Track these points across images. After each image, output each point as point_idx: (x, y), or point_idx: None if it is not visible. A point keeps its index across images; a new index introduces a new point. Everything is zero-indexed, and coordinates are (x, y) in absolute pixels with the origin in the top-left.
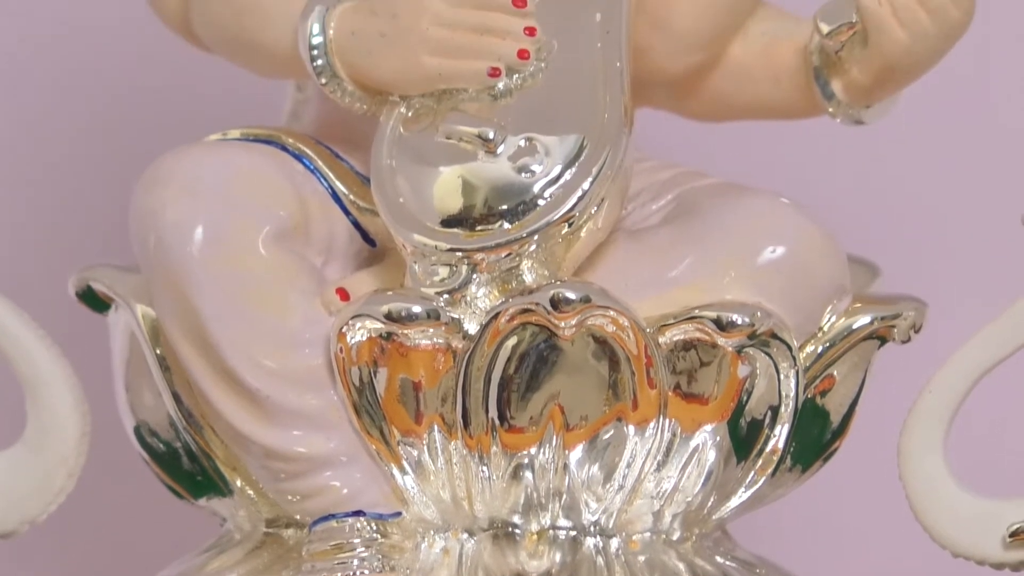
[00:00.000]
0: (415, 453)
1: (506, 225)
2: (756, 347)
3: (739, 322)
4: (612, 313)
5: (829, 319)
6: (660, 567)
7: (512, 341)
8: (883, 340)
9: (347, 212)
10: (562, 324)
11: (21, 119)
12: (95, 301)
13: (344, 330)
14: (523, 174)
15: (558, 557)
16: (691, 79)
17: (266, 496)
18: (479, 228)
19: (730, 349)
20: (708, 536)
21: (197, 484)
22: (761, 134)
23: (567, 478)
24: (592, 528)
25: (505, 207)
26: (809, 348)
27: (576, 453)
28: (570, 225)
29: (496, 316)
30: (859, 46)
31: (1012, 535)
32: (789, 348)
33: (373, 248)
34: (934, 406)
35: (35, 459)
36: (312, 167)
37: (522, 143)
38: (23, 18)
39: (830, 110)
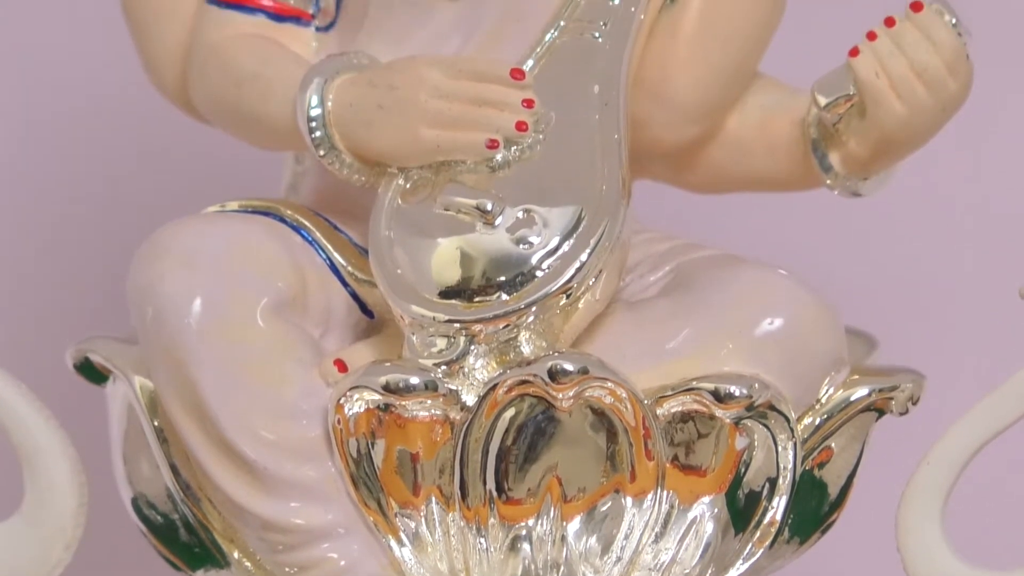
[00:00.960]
0: (412, 525)
1: (504, 296)
2: (754, 419)
3: (737, 394)
4: (610, 385)
5: (827, 391)
6: None
7: (510, 412)
8: (881, 412)
9: (345, 283)
10: (560, 396)
11: (20, 188)
12: (93, 373)
13: (342, 401)
14: (521, 245)
15: None
16: (688, 151)
17: (264, 568)
18: (477, 299)
19: (728, 421)
20: None
21: (195, 556)
22: (760, 205)
23: (565, 550)
24: None
25: (503, 278)
26: (807, 420)
27: (574, 525)
28: (568, 296)
29: (494, 387)
30: (857, 118)
31: None
32: (787, 420)
33: (371, 319)
34: (932, 478)
35: (32, 531)
36: (310, 239)
37: (520, 214)
38: (22, 86)
39: (828, 182)
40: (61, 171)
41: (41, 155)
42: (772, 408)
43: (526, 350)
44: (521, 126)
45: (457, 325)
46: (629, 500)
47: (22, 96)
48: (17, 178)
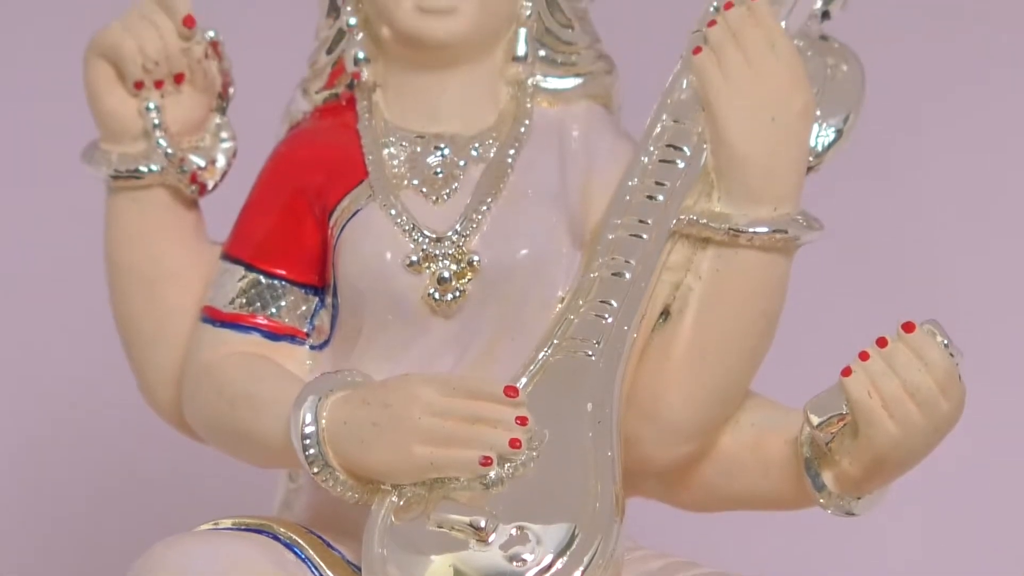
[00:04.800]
0: None
1: None
2: None
3: None
4: None
5: None
6: None
7: None
8: None
9: None
10: None
11: (14, 506)
12: None
13: None
14: (514, 563)
15: None
16: (681, 469)
17: None
18: None
19: None
20: None
21: None
22: (755, 523)
23: None
24: None
25: None
26: None
27: None
28: None
29: None
30: (849, 438)
31: None
32: None
33: None
34: None
35: None
36: (303, 556)
37: (513, 531)
38: (16, 410)
39: (821, 501)
40: (55, 488)
41: (35, 468)
42: None
43: None
44: (515, 443)
45: None
46: None
47: (15, 409)
48: (15, 496)
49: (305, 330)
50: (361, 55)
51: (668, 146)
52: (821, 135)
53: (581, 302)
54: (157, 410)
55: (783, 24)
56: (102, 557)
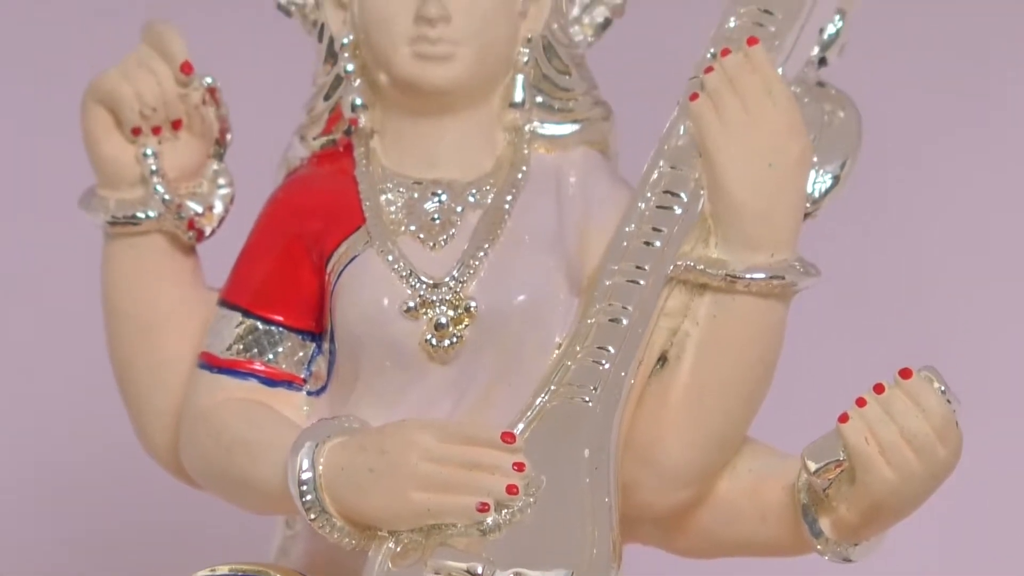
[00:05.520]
0: None
1: None
2: None
3: None
4: None
5: None
6: None
7: None
8: None
9: None
10: None
11: (10, 554)
12: None
13: None
14: None
15: None
16: (678, 515)
17: None
18: None
19: None
20: None
21: None
22: (752, 569)
23: None
24: None
25: None
26: None
27: None
28: None
29: None
30: (847, 484)
31: None
32: None
33: None
34: None
35: None
36: None
37: None
38: (11, 455)
39: (818, 548)
40: (50, 530)
41: (32, 518)
42: None
43: None
44: (512, 489)
45: None
46: None
47: (11, 455)
48: (13, 544)
49: (302, 376)
50: (359, 101)
51: (665, 192)
52: (818, 181)
53: (578, 348)
54: (154, 456)
55: (780, 70)
56: None
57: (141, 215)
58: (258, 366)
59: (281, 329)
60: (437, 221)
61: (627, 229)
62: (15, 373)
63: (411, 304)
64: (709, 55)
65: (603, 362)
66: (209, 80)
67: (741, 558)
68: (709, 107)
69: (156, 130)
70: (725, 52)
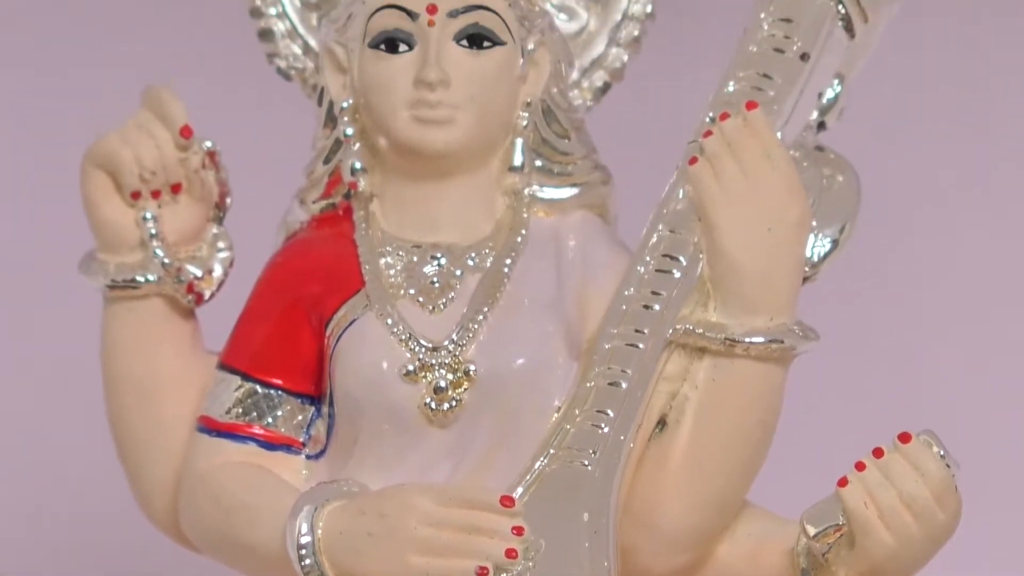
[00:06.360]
0: None
1: None
2: None
3: None
4: None
5: None
6: None
7: None
8: None
9: None
10: None
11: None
12: None
13: None
14: None
15: None
16: None
17: None
18: None
19: None
20: None
21: None
22: None
23: None
24: None
25: None
26: None
27: None
28: None
29: None
30: (846, 548)
31: None
32: None
33: None
34: None
35: None
36: None
37: None
38: (9, 520)
39: None
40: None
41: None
42: None
43: None
44: (511, 554)
45: None
46: None
47: (9, 519)
48: None
49: (301, 439)
50: (358, 165)
51: (664, 256)
52: (817, 245)
53: (577, 411)
54: (153, 520)
55: (779, 135)
56: None
57: (141, 279)
58: (257, 430)
59: (280, 393)
60: (436, 285)
61: (626, 293)
62: (15, 437)
63: (410, 368)
64: (708, 119)
65: (602, 426)
66: (209, 144)
67: None
68: (708, 171)
69: (156, 194)
70: (724, 116)
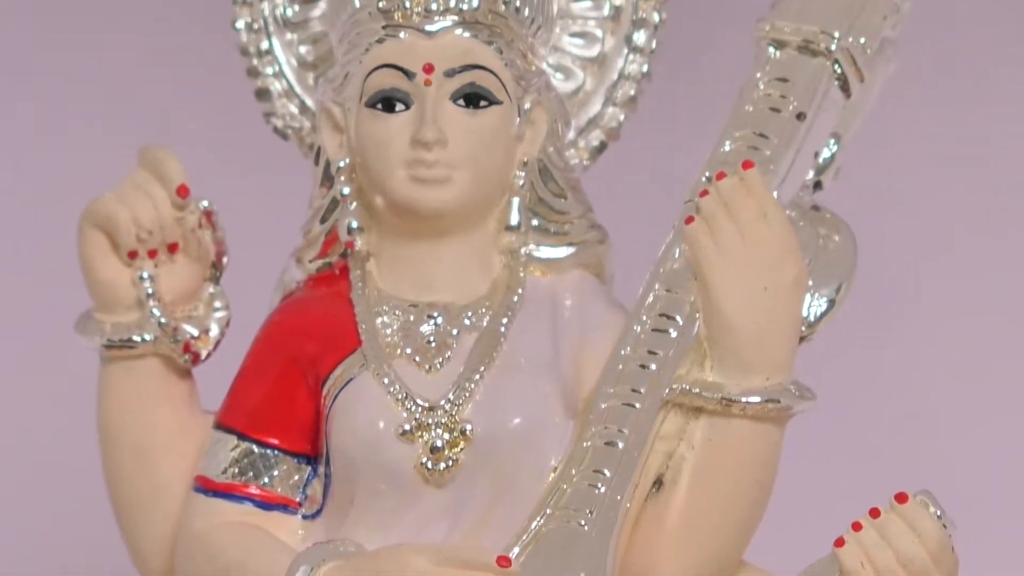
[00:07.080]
0: None
1: None
2: None
3: None
4: None
5: None
6: None
7: None
8: None
9: None
10: None
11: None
12: None
13: None
14: None
15: None
16: None
17: None
18: None
19: None
20: None
21: None
22: None
23: None
24: None
25: None
26: None
27: None
28: None
29: None
30: None
31: None
32: None
33: None
34: None
35: None
36: None
37: None
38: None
39: None
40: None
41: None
42: None
43: None
44: None
45: None
46: None
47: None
48: None
49: (298, 499)
50: (355, 224)
51: (661, 315)
52: (813, 305)
53: (574, 471)
54: None
55: (775, 194)
56: None
57: (137, 339)
58: (253, 490)
59: (277, 452)
60: (433, 344)
61: (623, 352)
62: (11, 497)
63: (407, 427)
64: (704, 178)
65: (599, 486)
66: (205, 204)
67: None
68: (704, 231)
69: (152, 253)
70: (720, 176)
